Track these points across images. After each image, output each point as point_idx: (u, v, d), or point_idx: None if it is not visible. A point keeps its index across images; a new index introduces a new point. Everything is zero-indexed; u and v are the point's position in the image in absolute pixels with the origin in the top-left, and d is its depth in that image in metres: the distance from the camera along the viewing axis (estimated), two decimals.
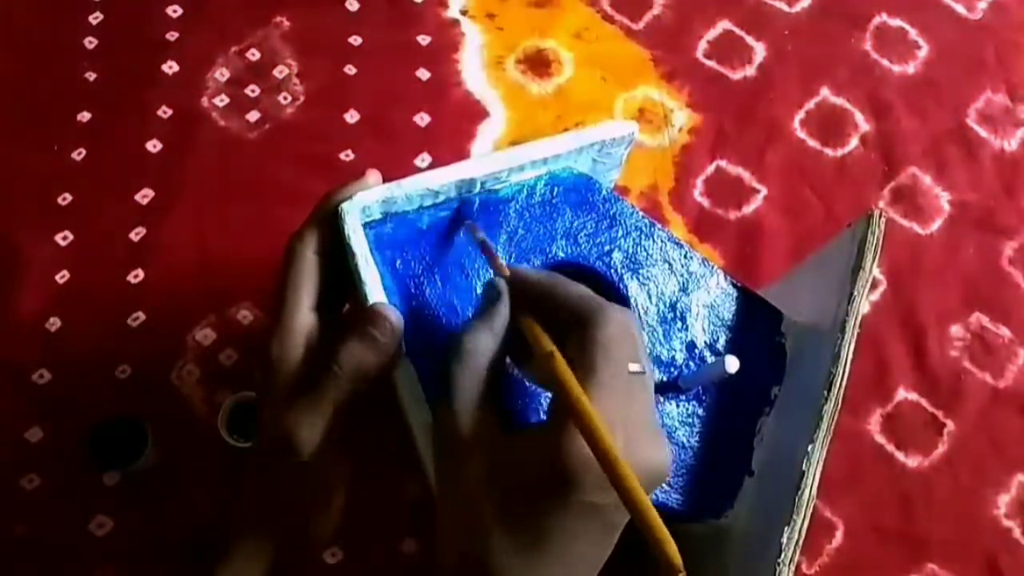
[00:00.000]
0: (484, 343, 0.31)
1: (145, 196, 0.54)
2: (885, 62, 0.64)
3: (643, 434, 0.28)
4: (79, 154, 0.54)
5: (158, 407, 0.47)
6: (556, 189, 0.41)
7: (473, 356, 0.31)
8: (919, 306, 0.56)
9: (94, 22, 0.59)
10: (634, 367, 0.28)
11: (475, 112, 0.59)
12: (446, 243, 0.39)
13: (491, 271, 0.37)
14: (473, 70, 0.60)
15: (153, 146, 0.55)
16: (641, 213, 0.42)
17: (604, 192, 0.42)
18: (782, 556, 0.34)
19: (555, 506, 0.27)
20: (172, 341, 0.50)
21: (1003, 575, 0.49)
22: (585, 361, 0.28)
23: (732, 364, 0.36)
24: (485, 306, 0.33)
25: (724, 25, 0.64)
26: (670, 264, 0.42)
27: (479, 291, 0.39)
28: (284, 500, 0.33)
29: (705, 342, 0.40)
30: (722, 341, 0.41)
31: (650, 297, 0.41)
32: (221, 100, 0.57)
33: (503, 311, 0.32)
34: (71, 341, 0.49)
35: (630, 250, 0.41)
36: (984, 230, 0.59)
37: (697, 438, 0.39)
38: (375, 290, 0.37)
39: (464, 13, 0.62)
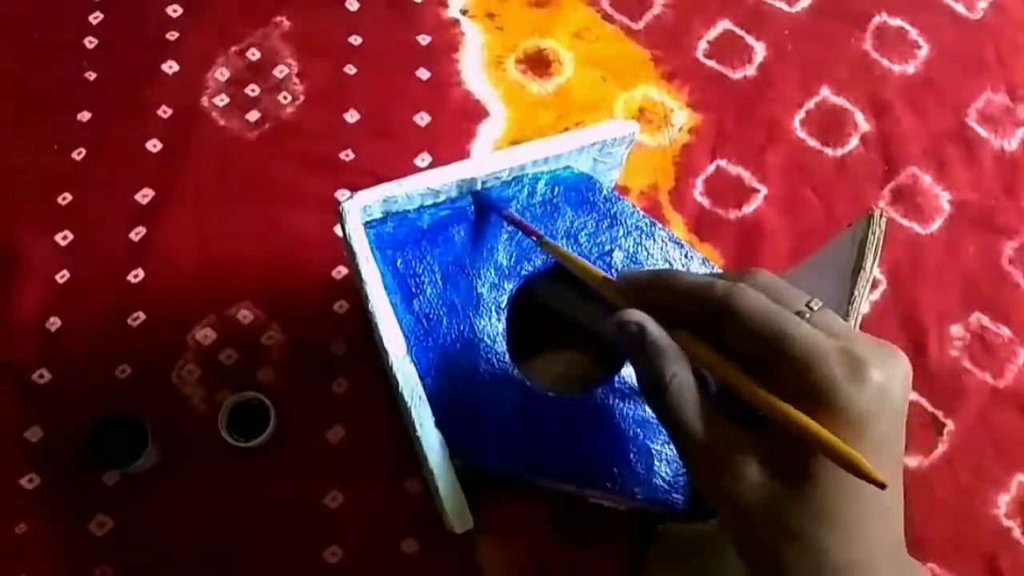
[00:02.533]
0: (677, 371, 0.28)
1: (145, 196, 0.54)
2: (885, 62, 0.64)
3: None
4: (79, 154, 0.54)
5: (158, 407, 0.47)
6: (557, 188, 0.41)
7: (678, 388, 0.28)
8: (919, 306, 0.56)
9: (94, 22, 0.59)
10: None
11: (475, 112, 0.59)
12: (458, 243, 0.39)
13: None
14: (473, 70, 0.60)
15: (153, 146, 0.55)
16: (641, 213, 0.42)
17: (605, 192, 0.42)
18: None
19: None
20: (172, 341, 0.50)
21: (1003, 575, 0.49)
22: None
23: None
24: (641, 344, 0.28)
25: (724, 25, 0.64)
26: (670, 264, 0.42)
27: (480, 290, 0.39)
28: None
29: None
30: None
31: None
32: (221, 100, 0.57)
33: (658, 335, 0.28)
34: (71, 341, 0.49)
35: (631, 250, 0.41)
36: (984, 230, 0.59)
37: None
38: (375, 289, 0.37)
39: (464, 13, 0.62)
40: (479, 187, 0.40)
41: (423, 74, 0.60)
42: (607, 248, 0.41)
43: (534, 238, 0.38)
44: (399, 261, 0.38)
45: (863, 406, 0.25)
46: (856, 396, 0.25)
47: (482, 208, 0.40)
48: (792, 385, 0.26)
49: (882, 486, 0.24)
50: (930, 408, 0.53)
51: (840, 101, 0.62)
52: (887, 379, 0.26)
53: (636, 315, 0.28)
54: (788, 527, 0.26)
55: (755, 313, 0.27)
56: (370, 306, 0.37)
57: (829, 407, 0.25)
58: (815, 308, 0.27)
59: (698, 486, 0.29)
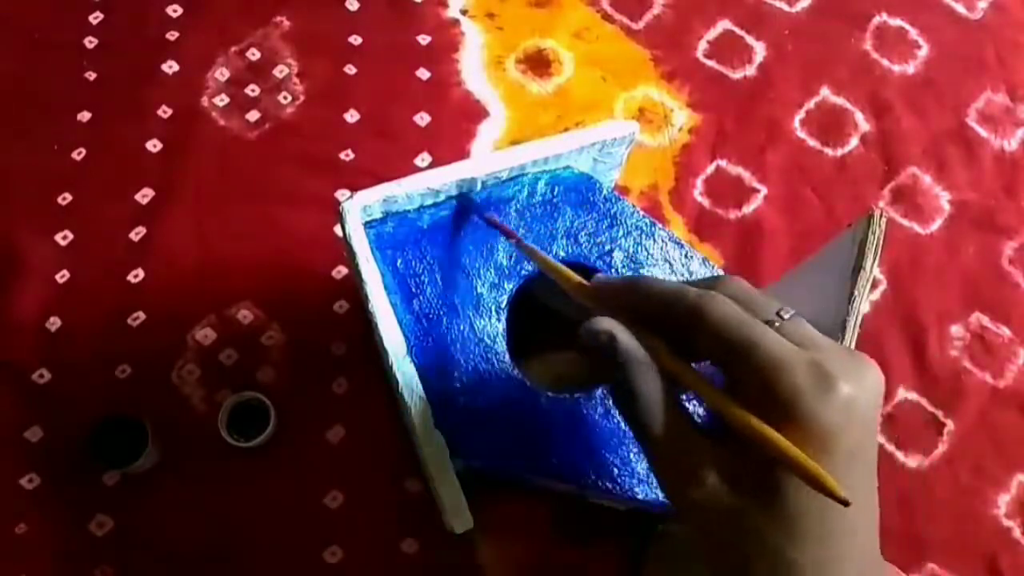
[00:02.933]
0: (646, 379, 0.28)
1: (145, 196, 0.54)
2: (885, 62, 0.64)
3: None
4: (79, 154, 0.54)
5: (158, 407, 0.47)
6: (557, 188, 0.41)
7: (647, 397, 0.27)
8: (919, 306, 0.56)
9: (94, 22, 0.59)
10: None
11: (475, 112, 0.59)
12: (457, 244, 0.39)
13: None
14: (473, 70, 0.60)
15: (153, 146, 0.55)
16: (641, 212, 0.42)
17: (605, 191, 0.42)
18: None
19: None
20: (172, 341, 0.50)
21: (1003, 575, 0.49)
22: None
23: None
24: (611, 352, 0.28)
25: (724, 25, 0.64)
26: (671, 264, 0.42)
27: (480, 290, 0.39)
28: None
29: None
30: None
31: None
32: (221, 100, 0.57)
33: (628, 343, 0.28)
34: (71, 341, 0.49)
35: (631, 250, 0.41)
36: (984, 230, 0.59)
37: None
38: (375, 290, 0.37)
39: (464, 13, 0.62)
40: (479, 187, 0.40)
41: (423, 74, 0.60)
42: (607, 248, 0.41)
43: (512, 241, 0.38)
44: (399, 261, 0.38)
45: (830, 419, 0.25)
46: (822, 409, 0.24)
47: (465, 210, 0.40)
48: (757, 395, 0.25)
49: (845, 503, 0.24)
50: (930, 408, 0.53)
51: (840, 101, 0.62)
52: (856, 391, 0.25)
53: (606, 323, 0.28)
54: (754, 539, 0.26)
55: (723, 321, 0.26)
56: (370, 306, 0.37)
57: (794, 419, 0.25)
58: (785, 317, 0.27)
59: (665, 496, 0.28)
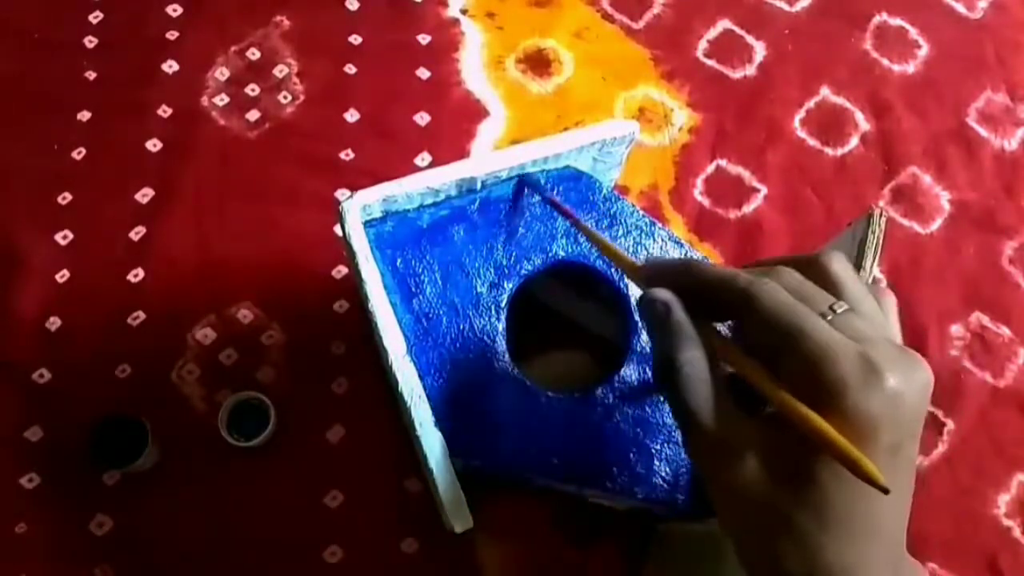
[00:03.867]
0: (694, 356, 0.28)
1: (145, 196, 0.54)
2: (885, 62, 0.64)
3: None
4: (79, 154, 0.54)
5: (158, 407, 0.47)
6: (557, 188, 0.41)
7: (693, 373, 0.28)
8: (919, 306, 0.56)
9: (94, 21, 0.59)
10: None
11: (475, 111, 0.59)
12: (455, 241, 0.39)
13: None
14: (473, 69, 0.60)
15: (153, 146, 0.55)
16: (641, 212, 0.42)
17: (604, 191, 0.42)
18: None
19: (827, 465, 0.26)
20: (172, 341, 0.50)
21: (1003, 575, 0.49)
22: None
23: None
24: (664, 323, 0.28)
25: (724, 24, 0.64)
26: None
27: (479, 290, 0.39)
28: None
29: None
30: None
31: None
32: (221, 99, 0.57)
33: (682, 318, 0.28)
34: (71, 341, 0.49)
35: (630, 249, 0.41)
36: (984, 230, 0.59)
37: None
38: (375, 289, 0.37)
39: (464, 12, 0.62)
40: (479, 187, 0.40)
41: (423, 74, 0.60)
42: None
43: (570, 221, 0.38)
44: (399, 261, 0.38)
45: (874, 410, 0.24)
46: (866, 400, 0.24)
47: (521, 192, 0.40)
48: (802, 383, 0.25)
49: (884, 490, 0.24)
50: (930, 408, 0.53)
51: (840, 101, 0.62)
52: (903, 386, 0.25)
53: (664, 294, 0.28)
54: (786, 523, 0.26)
55: (774, 308, 0.26)
56: (370, 306, 0.37)
57: (838, 409, 0.25)
58: (838, 311, 0.27)
59: (699, 472, 0.29)
